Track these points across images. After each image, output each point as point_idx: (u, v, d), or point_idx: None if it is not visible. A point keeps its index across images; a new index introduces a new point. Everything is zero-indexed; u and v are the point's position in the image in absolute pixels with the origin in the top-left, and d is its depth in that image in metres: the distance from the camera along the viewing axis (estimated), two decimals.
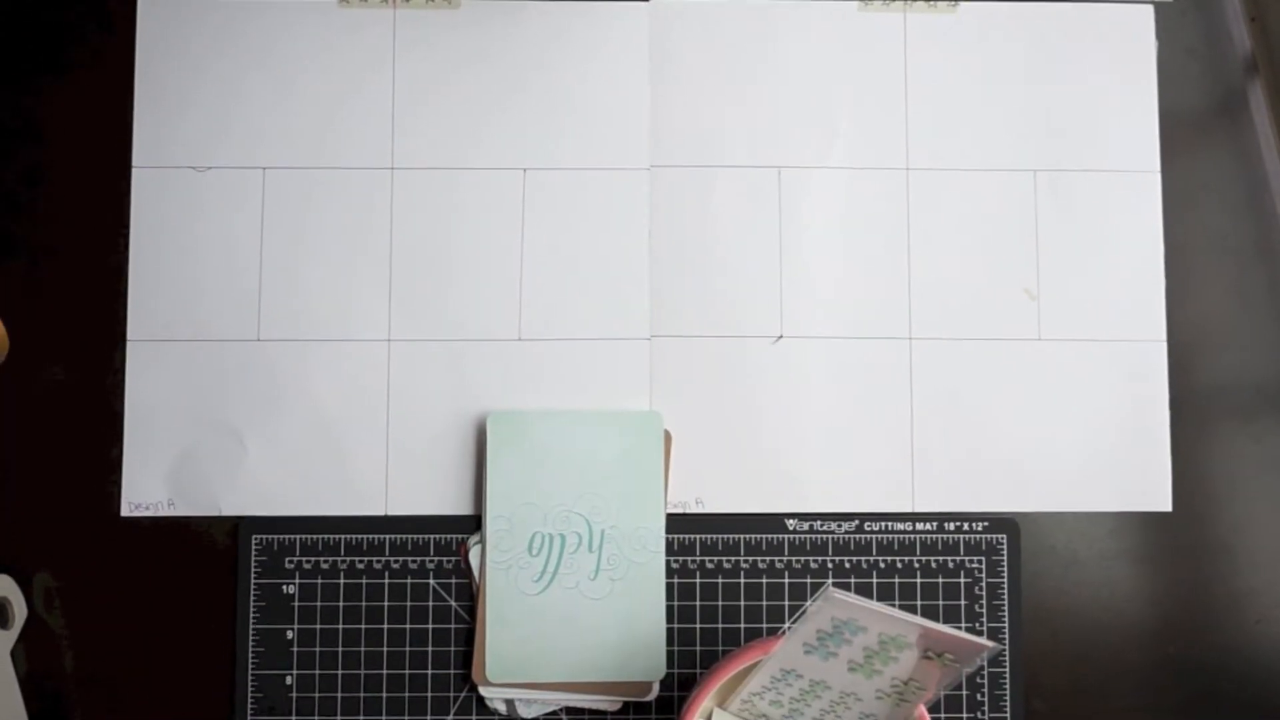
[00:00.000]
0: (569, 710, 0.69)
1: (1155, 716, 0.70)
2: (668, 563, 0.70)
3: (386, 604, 0.69)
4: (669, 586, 0.70)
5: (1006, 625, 0.70)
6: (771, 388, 0.71)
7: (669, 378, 0.71)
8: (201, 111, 0.72)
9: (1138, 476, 0.71)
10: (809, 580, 0.70)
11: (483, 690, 0.68)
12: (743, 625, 0.70)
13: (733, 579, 0.70)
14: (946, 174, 0.73)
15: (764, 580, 0.70)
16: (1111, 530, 0.71)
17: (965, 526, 0.70)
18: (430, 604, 0.69)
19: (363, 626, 0.69)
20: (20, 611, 0.68)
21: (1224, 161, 0.73)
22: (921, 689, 0.56)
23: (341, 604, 0.69)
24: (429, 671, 0.69)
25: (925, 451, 0.71)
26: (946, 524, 0.70)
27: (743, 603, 0.70)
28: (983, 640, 0.52)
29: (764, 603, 0.70)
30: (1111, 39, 0.74)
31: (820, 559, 0.70)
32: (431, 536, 0.70)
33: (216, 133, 0.72)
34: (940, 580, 0.70)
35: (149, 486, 0.70)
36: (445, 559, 0.70)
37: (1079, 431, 0.71)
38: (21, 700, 0.67)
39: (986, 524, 0.70)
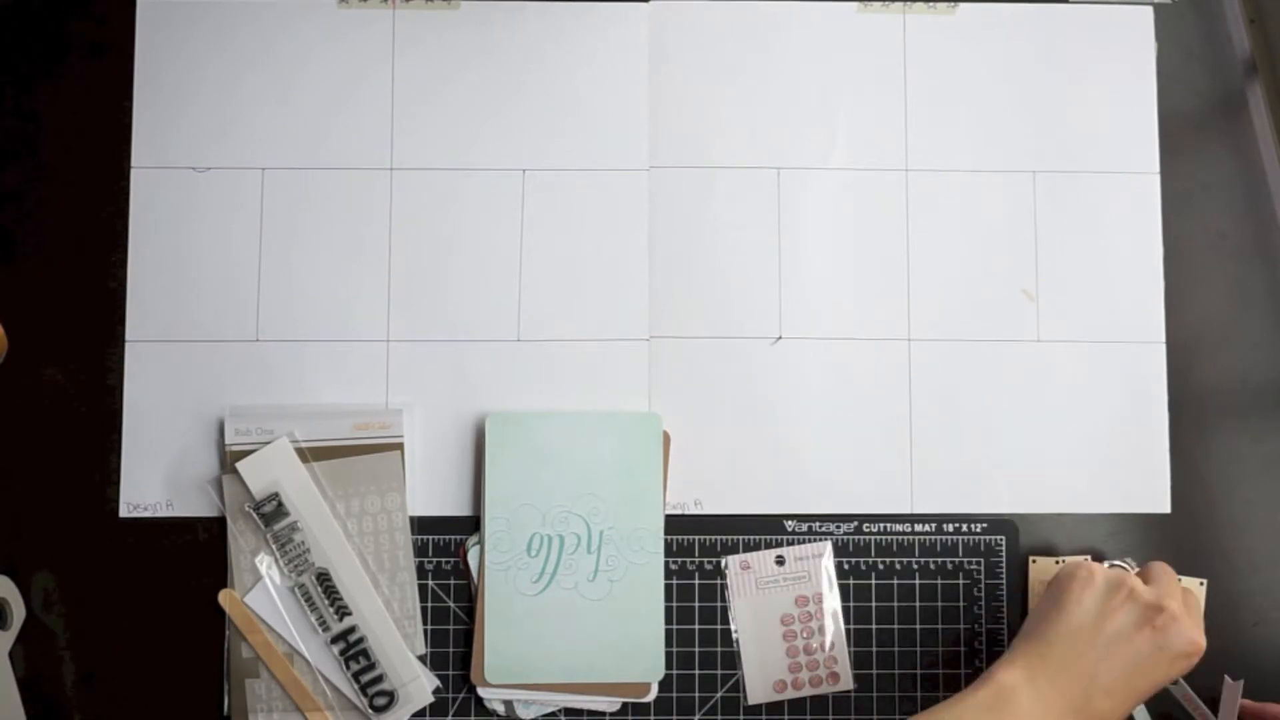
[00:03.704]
0: (567, 711, 0.69)
1: (1152, 718, 0.70)
2: (666, 564, 0.70)
3: None
4: (668, 587, 0.70)
5: (1005, 627, 0.70)
6: (770, 389, 0.71)
7: (668, 379, 0.71)
8: (200, 112, 0.72)
9: (1136, 478, 0.71)
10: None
11: (481, 691, 0.68)
12: None
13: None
14: (945, 175, 0.72)
15: None
16: (1110, 532, 0.71)
17: (964, 528, 0.70)
18: (429, 605, 0.69)
19: None
20: (19, 612, 0.68)
21: (1223, 162, 0.73)
22: None
23: None
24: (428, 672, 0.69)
25: (924, 452, 0.71)
26: (945, 525, 0.70)
27: None
28: None
29: None
30: (1111, 40, 0.73)
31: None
32: (430, 537, 0.70)
33: (215, 133, 0.72)
34: (939, 581, 0.70)
35: (147, 487, 0.70)
36: (444, 560, 0.70)
37: (1078, 433, 0.71)
38: (20, 701, 0.67)
39: (985, 525, 0.70)
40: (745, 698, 0.69)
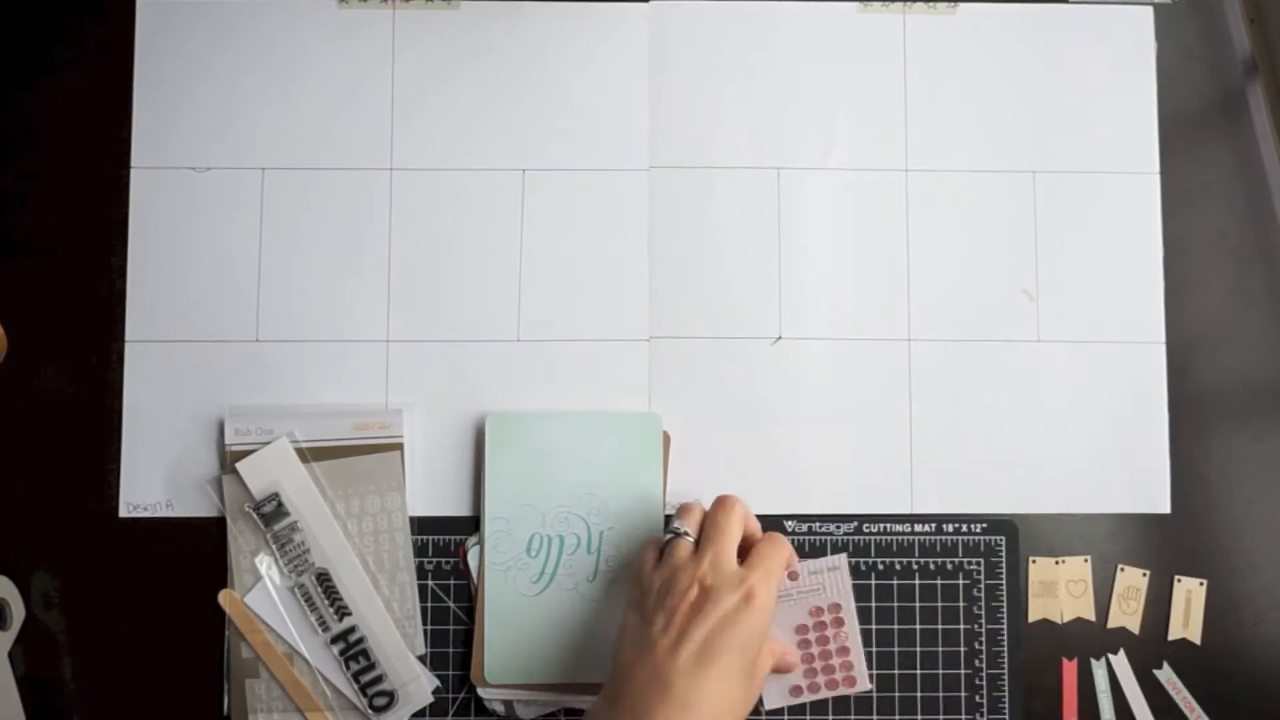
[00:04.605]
0: (567, 711, 0.69)
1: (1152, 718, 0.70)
2: None
3: None
4: None
5: (1005, 627, 0.70)
6: (770, 389, 0.71)
7: (668, 379, 0.71)
8: (200, 112, 0.72)
9: (1136, 478, 0.71)
10: None
11: (481, 691, 0.68)
12: None
13: None
14: (945, 175, 0.72)
15: None
16: (1110, 532, 0.71)
17: (964, 528, 0.70)
18: (429, 605, 0.69)
19: None
20: (18, 612, 0.68)
21: (1223, 162, 0.73)
22: None
23: None
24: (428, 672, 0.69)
25: (924, 453, 0.71)
26: (945, 525, 0.70)
27: None
28: None
29: None
30: (1111, 39, 0.73)
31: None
32: (430, 538, 0.70)
33: (215, 133, 0.72)
34: (939, 582, 0.70)
35: (147, 487, 0.70)
36: (444, 560, 0.70)
37: (1078, 433, 0.71)
38: (20, 701, 0.67)
39: (985, 525, 0.70)
40: (762, 704, 0.68)
